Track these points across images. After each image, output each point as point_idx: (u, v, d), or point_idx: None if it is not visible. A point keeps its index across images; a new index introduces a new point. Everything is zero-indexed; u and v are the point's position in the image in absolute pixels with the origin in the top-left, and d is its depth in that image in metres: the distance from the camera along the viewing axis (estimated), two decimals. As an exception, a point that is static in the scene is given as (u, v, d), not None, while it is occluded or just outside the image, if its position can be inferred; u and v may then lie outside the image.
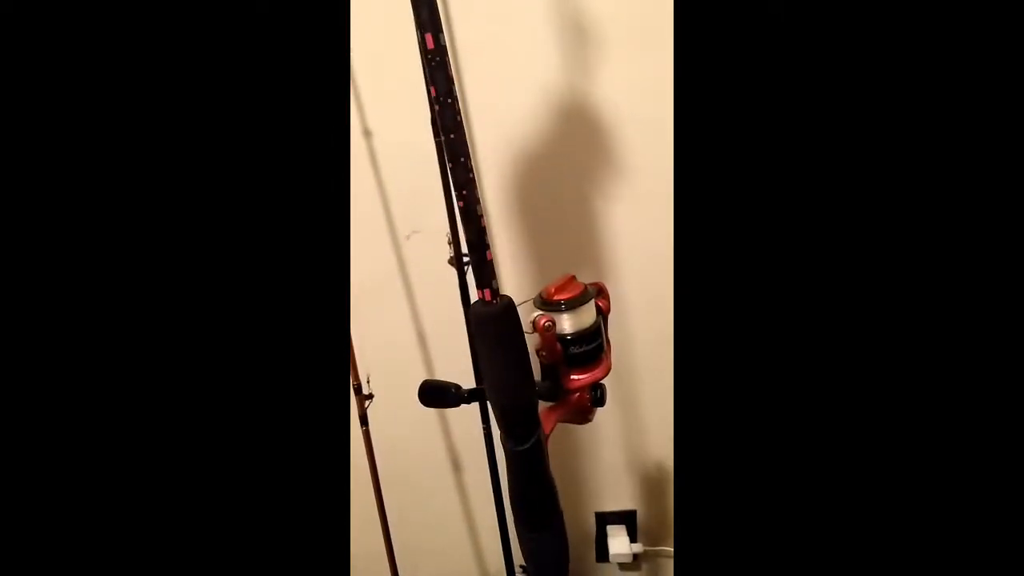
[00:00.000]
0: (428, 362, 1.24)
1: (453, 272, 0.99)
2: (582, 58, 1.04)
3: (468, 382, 1.01)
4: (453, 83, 0.57)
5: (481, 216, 0.61)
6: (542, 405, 0.73)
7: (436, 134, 0.86)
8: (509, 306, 0.61)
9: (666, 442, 1.28)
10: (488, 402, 0.67)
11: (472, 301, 0.64)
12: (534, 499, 0.68)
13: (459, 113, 0.57)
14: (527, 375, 0.65)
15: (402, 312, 1.21)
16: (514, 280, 1.16)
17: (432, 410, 0.95)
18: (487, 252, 0.61)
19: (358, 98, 1.08)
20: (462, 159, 0.58)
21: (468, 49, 1.02)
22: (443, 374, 1.25)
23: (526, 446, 0.65)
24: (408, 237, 1.16)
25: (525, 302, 0.73)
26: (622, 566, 1.34)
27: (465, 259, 0.95)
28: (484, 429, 1.07)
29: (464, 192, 0.59)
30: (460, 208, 0.59)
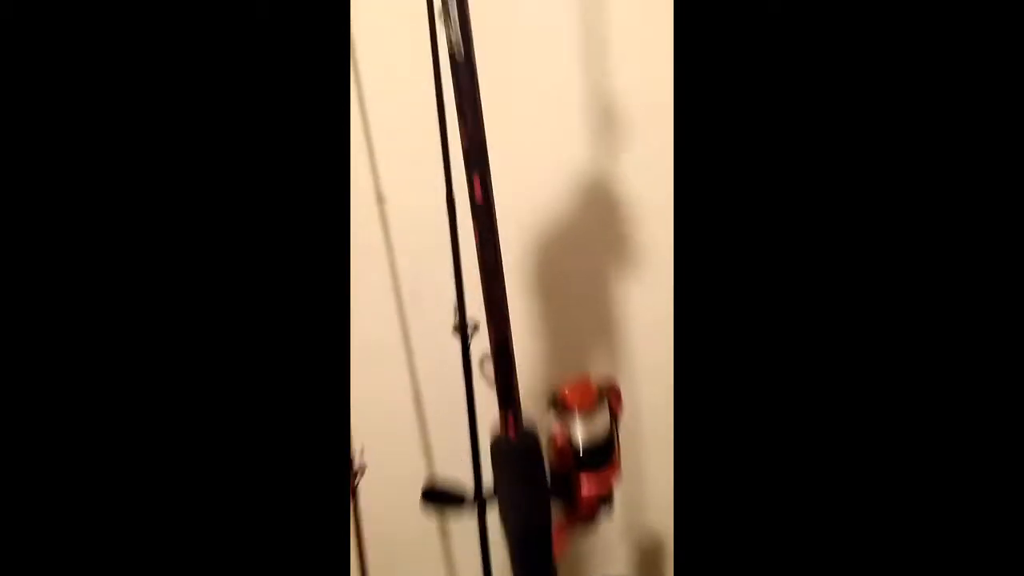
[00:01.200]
0: (424, 434, 1.21)
1: (456, 342, 0.96)
2: (605, 139, 1.02)
3: (465, 455, 0.98)
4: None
5: (511, 346, 0.59)
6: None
7: (451, 211, 0.84)
8: (533, 445, 0.60)
9: (665, 510, 1.26)
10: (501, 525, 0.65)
11: (494, 431, 0.62)
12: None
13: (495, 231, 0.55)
14: (545, 506, 0.63)
15: (401, 380, 1.18)
16: (526, 360, 1.13)
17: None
18: (513, 377, 0.59)
19: (373, 163, 1.06)
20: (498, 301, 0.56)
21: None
22: (440, 448, 1.21)
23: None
24: (412, 302, 1.13)
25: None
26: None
27: (471, 328, 0.92)
28: (480, 527, 1.02)
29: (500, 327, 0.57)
30: (491, 337, 0.57)
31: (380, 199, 1.08)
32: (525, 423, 0.61)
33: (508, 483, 0.60)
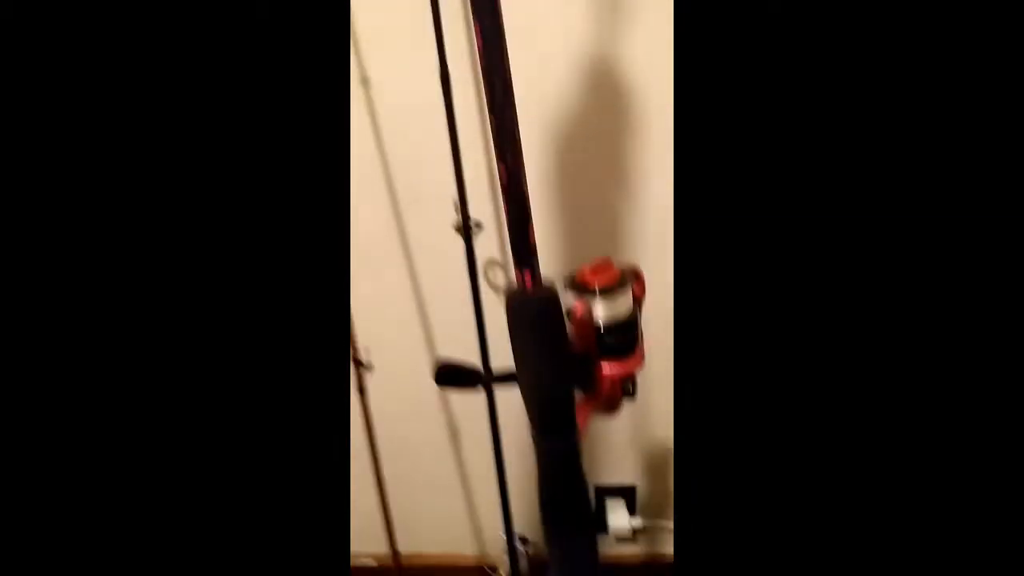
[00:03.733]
0: (429, 336, 1.14)
1: (455, 240, 0.87)
2: (613, 27, 0.90)
3: (473, 354, 0.91)
4: (507, 58, 0.45)
5: (526, 192, 0.49)
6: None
7: (446, 93, 0.73)
8: (552, 298, 0.50)
9: (670, 420, 1.19)
10: (521, 393, 0.56)
11: (508, 285, 0.53)
12: (570, 502, 0.58)
13: (511, 88, 0.45)
14: (566, 369, 0.54)
15: (402, 282, 1.09)
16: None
17: (430, 382, 0.84)
18: (530, 232, 0.50)
19: (356, 42, 0.93)
20: (508, 112, 0.46)
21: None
22: (445, 347, 1.14)
23: (565, 444, 0.55)
24: (411, 202, 1.04)
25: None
26: (620, 539, 1.27)
27: (475, 226, 0.84)
28: (489, 403, 0.96)
29: (508, 160, 0.47)
30: (503, 184, 0.48)
31: (364, 81, 0.96)
32: (544, 281, 0.52)
33: (525, 340, 0.51)
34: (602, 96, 0.94)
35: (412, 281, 1.10)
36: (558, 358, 0.51)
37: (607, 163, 0.99)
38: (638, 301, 0.71)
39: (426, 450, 1.24)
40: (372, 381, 1.05)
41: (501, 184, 0.48)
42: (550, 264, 0.67)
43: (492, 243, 1.01)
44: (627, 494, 1.24)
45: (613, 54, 0.92)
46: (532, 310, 0.50)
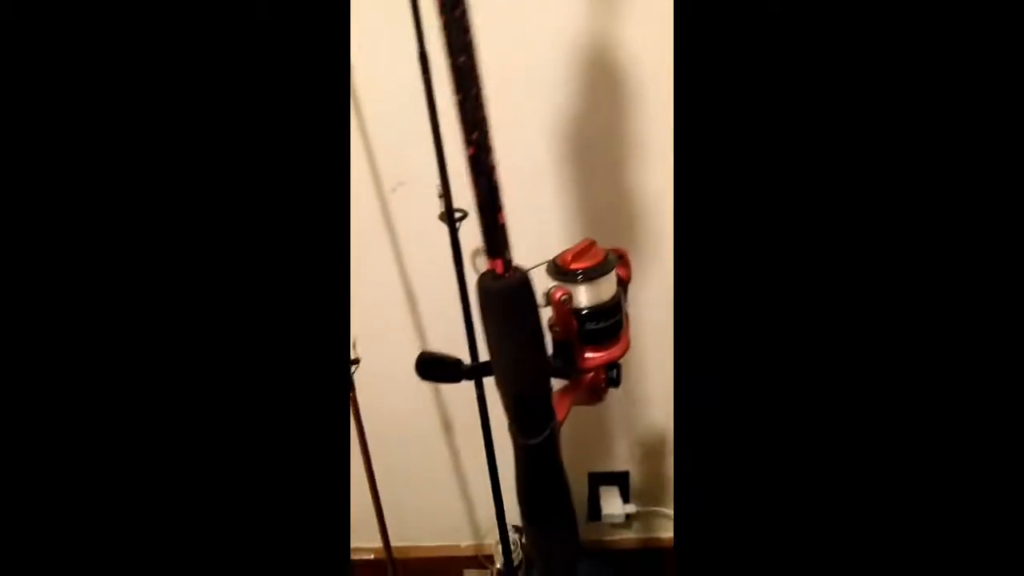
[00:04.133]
0: (419, 326, 1.11)
1: (443, 229, 0.84)
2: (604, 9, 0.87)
3: (460, 348, 0.89)
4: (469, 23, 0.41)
5: (494, 168, 0.46)
6: (553, 387, 0.60)
7: (425, 75, 0.69)
8: (524, 281, 0.47)
9: (663, 406, 1.17)
10: (496, 385, 0.54)
11: (482, 271, 0.50)
12: (546, 496, 0.55)
13: (470, 29, 0.41)
14: (542, 358, 0.51)
15: (389, 272, 1.06)
16: (523, 242, 1.02)
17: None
18: (499, 214, 0.47)
19: None
20: (473, 91, 0.42)
21: None
22: (434, 339, 1.12)
23: (539, 439, 0.52)
24: (394, 190, 1.00)
25: (536, 266, 0.59)
26: (613, 526, 1.25)
27: (458, 215, 0.81)
28: (478, 394, 0.93)
29: (474, 136, 0.44)
30: (469, 156, 0.44)
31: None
32: (517, 268, 0.49)
33: (498, 326, 0.48)
34: (602, 82, 0.91)
35: (400, 272, 1.07)
36: (532, 346, 0.49)
37: (609, 146, 0.96)
38: (624, 284, 0.69)
39: (420, 442, 1.22)
40: (362, 374, 1.03)
41: (469, 162, 0.45)
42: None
43: (478, 232, 0.97)
44: (620, 480, 1.22)
45: (612, 40, 0.88)
46: (503, 296, 0.47)
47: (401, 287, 1.08)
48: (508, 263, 0.48)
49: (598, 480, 1.23)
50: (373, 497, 1.09)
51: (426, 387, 1.17)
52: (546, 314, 0.58)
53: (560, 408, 0.57)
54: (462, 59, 0.42)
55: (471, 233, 0.87)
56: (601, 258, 0.63)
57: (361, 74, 0.92)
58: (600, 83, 0.92)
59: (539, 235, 0.99)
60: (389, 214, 1.03)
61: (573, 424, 1.16)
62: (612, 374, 0.63)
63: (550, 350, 0.59)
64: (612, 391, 1.11)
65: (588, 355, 0.62)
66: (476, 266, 1.00)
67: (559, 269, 0.61)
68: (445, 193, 0.81)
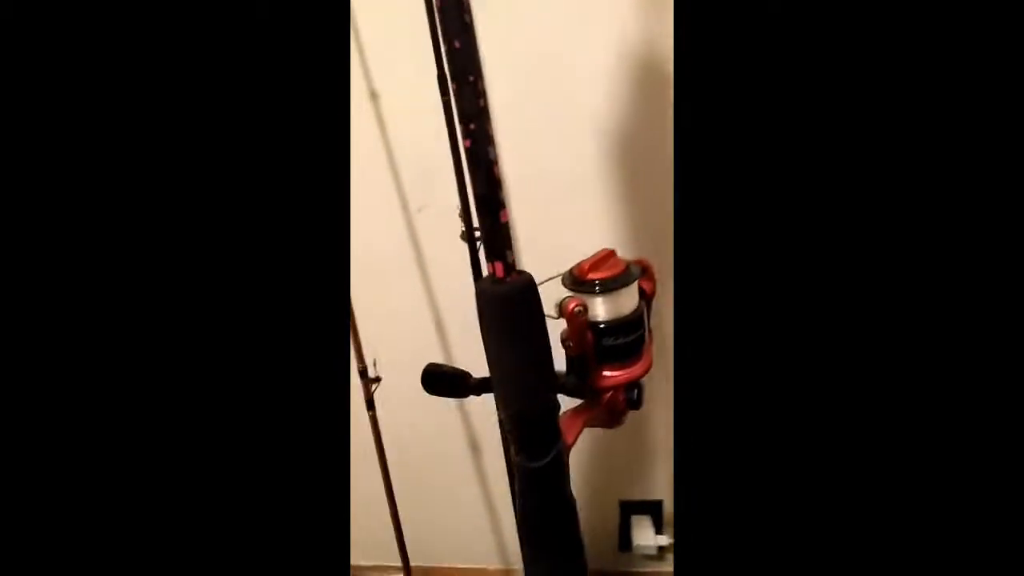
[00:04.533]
0: (445, 345, 1.07)
1: (466, 248, 0.81)
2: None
3: (484, 367, 0.85)
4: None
5: (494, 162, 0.41)
6: (566, 406, 0.54)
7: (444, 95, 0.66)
8: (527, 285, 0.42)
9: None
10: (495, 401, 0.49)
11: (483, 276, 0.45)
12: (548, 526, 0.50)
13: (468, 12, 0.37)
14: (546, 373, 0.46)
15: (415, 291, 1.04)
16: (535, 252, 0.98)
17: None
18: (501, 212, 0.42)
19: (363, 57, 0.90)
20: (471, 79, 0.38)
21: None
22: (460, 358, 1.08)
23: (541, 463, 0.47)
24: (420, 210, 0.99)
25: (551, 279, 0.54)
26: (646, 557, 1.17)
27: (476, 231, 0.77)
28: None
29: (472, 127, 0.40)
30: (467, 148, 0.40)
31: (373, 96, 0.92)
32: (521, 271, 0.44)
33: (497, 335, 0.43)
34: (636, 87, 0.87)
35: (427, 291, 1.05)
36: (536, 358, 0.43)
37: (632, 157, 0.91)
38: (648, 299, 0.63)
39: (447, 464, 1.19)
40: (387, 393, 1.00)
41: (467, 154, 0.41)
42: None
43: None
44: (654, 509, 1.14)
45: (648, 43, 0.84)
46: (503, 302, 0.42)
47: (427, 306, 1.06)
48: (509, 266, 0.43)
49: (630, 509, 1.15)
50: (392, 516, 1.06)
51: (454, 406, 1.14)
52: (560, 327, 0.53)
53: (570, 429, 0.52)
54: (457, 43, 0.38)
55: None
56: (621, 269, 0.57)
57: (391, 100, 0.92)
58: (642, 88, 0.87)
59: (562, 247, 0.95)
60: (415, 233, 1.01)
61: (603, 448, 1.11)
62: (632, 395, 0.58)
63: (561, 366, 0.54)
64: (645, 406, 1.05)
65: (605, 373, 0.56)
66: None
67: (575, 279, 0.56)
68: (464, 212, 0.78)
